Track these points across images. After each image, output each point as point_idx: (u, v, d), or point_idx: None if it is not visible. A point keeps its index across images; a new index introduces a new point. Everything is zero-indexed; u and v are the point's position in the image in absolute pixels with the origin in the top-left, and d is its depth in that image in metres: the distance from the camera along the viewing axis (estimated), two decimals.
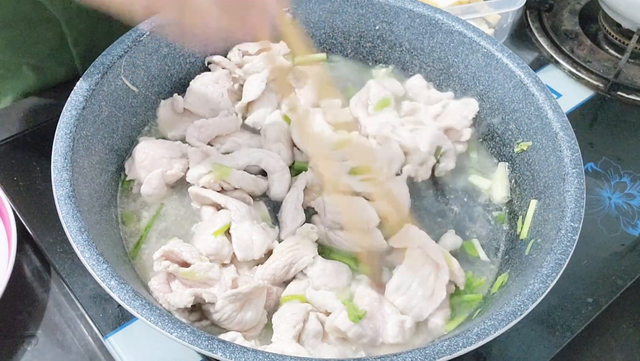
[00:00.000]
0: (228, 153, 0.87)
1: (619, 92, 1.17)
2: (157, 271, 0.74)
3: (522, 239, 0.81)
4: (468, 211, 0.89)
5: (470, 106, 0.94)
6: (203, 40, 0.64)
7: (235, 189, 0.83)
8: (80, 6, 1.01)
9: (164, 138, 0.91)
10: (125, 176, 0.86)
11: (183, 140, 0.89)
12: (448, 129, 0.92)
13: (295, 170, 0.88)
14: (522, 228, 0.82)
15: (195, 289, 0.71)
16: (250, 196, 0.84)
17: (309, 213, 0.83)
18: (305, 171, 0.86)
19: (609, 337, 0.89)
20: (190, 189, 0.83)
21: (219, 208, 0.82)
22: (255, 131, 0.93)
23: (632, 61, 1.21)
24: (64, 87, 1.09)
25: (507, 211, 0.88)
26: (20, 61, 1.07)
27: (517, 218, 0.85)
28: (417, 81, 0.99)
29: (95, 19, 1.05)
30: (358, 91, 0.98)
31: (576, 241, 0.71)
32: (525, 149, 0.87)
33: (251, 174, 0.84)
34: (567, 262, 0.69)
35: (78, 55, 1.10)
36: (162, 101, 0.92)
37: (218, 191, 0.83)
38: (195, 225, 0.82)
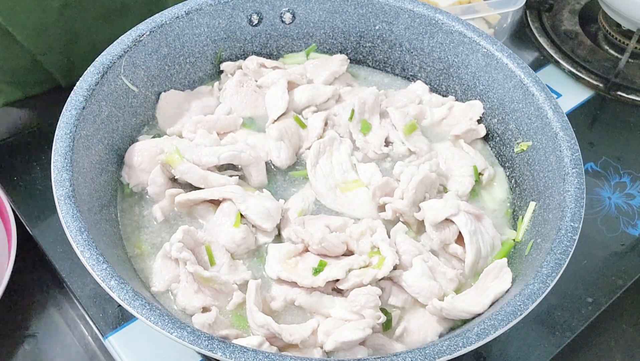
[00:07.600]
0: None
1: (619, 92, 1.17)
2: (171, 256, 0.74)
3: (518, 241, 0.81)
4: None
5: (475, 108, 0.94)
6: None
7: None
8: (50, 37, 0.99)
9: (162, 135, 0.90)
10: None
11: (181, 137, 0.88)
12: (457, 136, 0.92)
13: (292, 177, 0.88)
14: (519, 230, 0.82)
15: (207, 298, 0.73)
16: None
17: None
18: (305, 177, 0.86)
19: (609, 337, 0.89)
20: (177, 199, 0.81)
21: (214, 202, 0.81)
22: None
23: (632, 60, 1.21)
24: (64, 88, 1.10)
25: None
26: None
27: (517, 218, 0.85)
28: (418, 86, 0.99)
29: (70, 42, 1.02)
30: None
31: (576, 241, 0.71)
32: (525, 149, 0.87)
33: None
34: (567, 262, 0.69)
35: (59, 74, 1.07)
36: (163, 93, 0.92)
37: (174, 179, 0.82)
38: (201, 230, 0.81)
